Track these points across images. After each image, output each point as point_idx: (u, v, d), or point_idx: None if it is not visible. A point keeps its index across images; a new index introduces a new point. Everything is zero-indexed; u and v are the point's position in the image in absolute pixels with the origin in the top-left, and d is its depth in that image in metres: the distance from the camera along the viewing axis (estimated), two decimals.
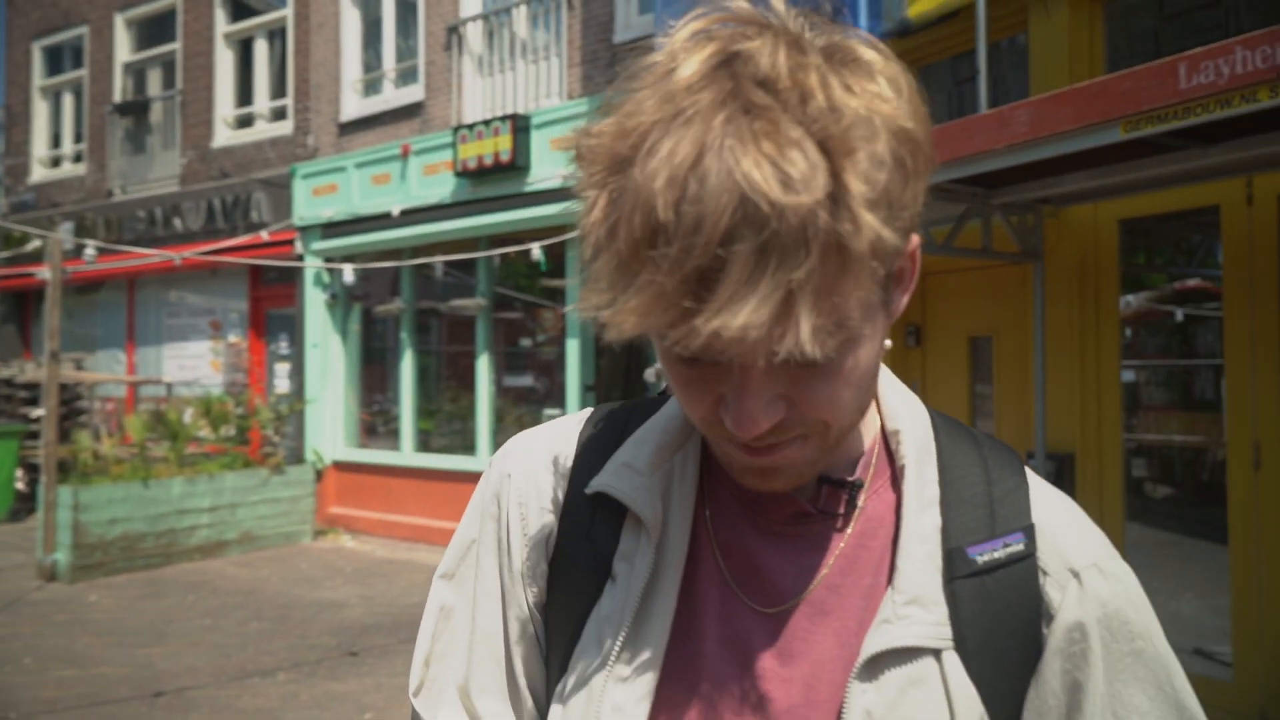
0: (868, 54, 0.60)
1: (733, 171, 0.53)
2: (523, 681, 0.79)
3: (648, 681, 0.71)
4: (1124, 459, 5.14)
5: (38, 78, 14.14)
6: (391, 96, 10.24)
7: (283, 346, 11.41)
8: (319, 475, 10.06)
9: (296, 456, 10.30)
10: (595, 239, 0.59)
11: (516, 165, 8.49)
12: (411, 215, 9.54)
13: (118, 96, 12.92)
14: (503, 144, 8.51)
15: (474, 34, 9.40)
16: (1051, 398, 5.14)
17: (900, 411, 0.77)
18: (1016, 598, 0.70)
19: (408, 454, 10.00)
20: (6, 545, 9.20)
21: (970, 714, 0.67)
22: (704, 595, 0.74)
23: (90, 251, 10.07)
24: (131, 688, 5.09)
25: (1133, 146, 3.68)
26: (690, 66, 0.57)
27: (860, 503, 0.75)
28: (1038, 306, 5.09)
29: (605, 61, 8.25)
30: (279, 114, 11.45)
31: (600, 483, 0.75)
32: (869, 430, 0.77)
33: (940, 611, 0.69)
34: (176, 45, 12.33)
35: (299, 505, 9.60)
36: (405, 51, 10.32)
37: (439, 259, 9.15)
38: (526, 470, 0.81)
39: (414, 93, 9.89)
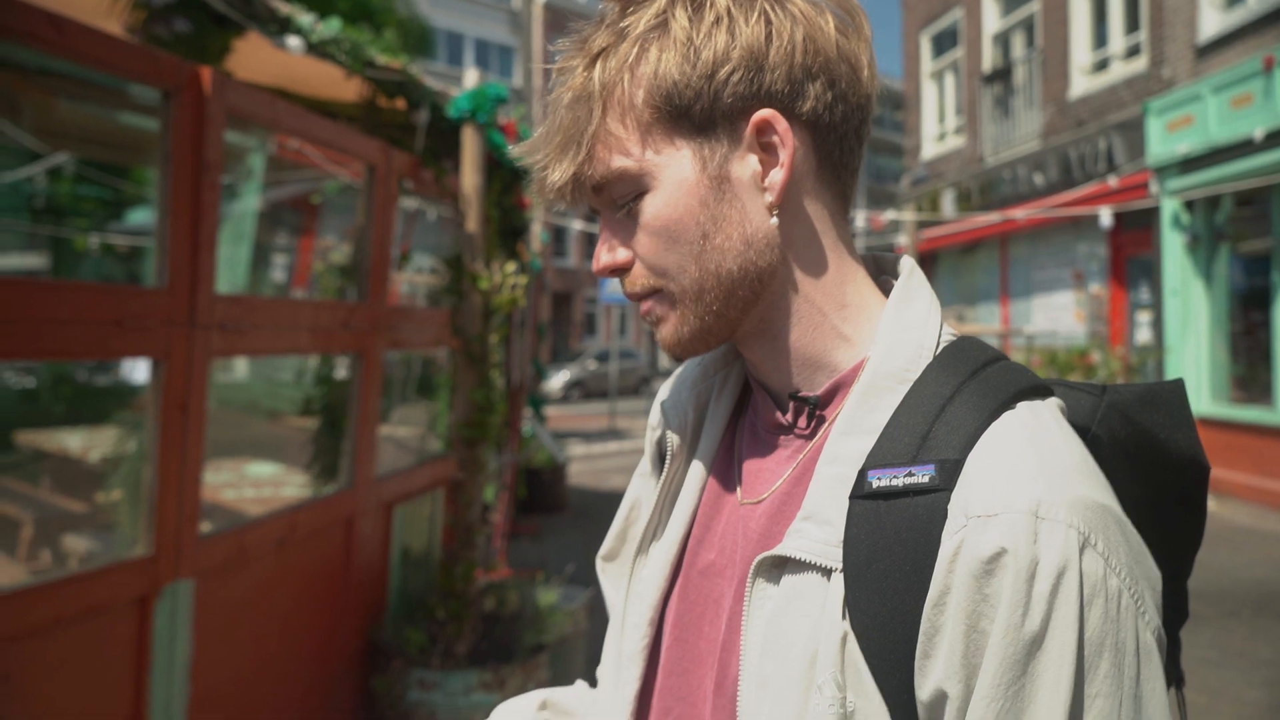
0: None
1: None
2: None
3: (665, 560, 0.84)
4: None
5: (926, 64, 15.93)
6: (1255, 2, 8.92)
7: (1143, 294, 10.92)
8: None
9: None
10: None
11: None
12: (1278, 138, 8.23)
13: (986, 67, 13.81)
14: None
15: None
16: None
17: (882, 338, 0.75)
18: (910, 534, 0.64)
19: None
20: None
21: (831, 638, 0.66)
22: (722, 491, 0.84)
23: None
24: None
25: None
26: None
27: (831, 419, 0.77)
28: None
29: None
30: (1132, 51, 10.92)
31: (660, 394, 0.92)
32: (853, 354, 0.77)
33: (831, 530, 0.69)
34: (1035, 4, 12.63)
35: None
36: None
37: None
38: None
39: None
